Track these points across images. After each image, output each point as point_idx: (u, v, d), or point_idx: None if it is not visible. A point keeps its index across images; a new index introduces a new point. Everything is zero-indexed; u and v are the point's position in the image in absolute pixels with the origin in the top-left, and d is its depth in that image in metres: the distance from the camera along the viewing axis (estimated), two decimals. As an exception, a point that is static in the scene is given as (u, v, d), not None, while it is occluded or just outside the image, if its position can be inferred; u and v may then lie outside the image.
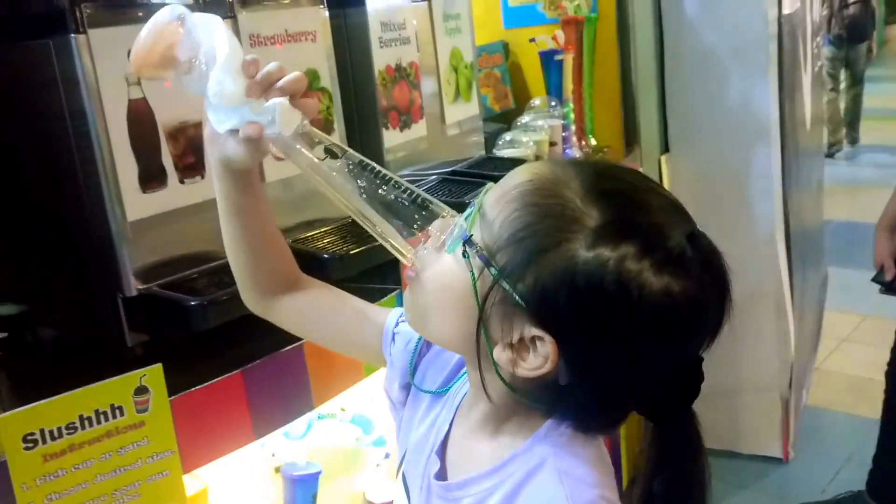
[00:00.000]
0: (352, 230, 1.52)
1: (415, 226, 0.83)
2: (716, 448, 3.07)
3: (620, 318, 0.73)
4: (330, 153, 0.86)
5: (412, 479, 0.95)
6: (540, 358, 0.76)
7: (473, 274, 0.78)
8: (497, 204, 0.78)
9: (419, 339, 1.00)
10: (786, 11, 2.86)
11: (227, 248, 1.02)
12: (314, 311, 1.06)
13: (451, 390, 0.97)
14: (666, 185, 2.94)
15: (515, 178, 0.79)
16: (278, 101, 0.84)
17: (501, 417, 0.85)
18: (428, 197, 0.85)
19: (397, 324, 1.02)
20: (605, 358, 0.76)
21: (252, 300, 1.06)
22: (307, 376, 1.32)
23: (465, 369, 0.93)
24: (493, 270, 0.76)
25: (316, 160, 0.86)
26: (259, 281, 1.03)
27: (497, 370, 0.79)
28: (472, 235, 0.78)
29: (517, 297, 0.75)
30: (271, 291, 1.04)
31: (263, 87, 0.84)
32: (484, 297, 0.77)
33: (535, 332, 0.75)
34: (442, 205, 0.84)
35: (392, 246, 0.86)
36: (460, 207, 0.85)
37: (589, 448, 0.82)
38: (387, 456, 1.65)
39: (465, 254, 0.78)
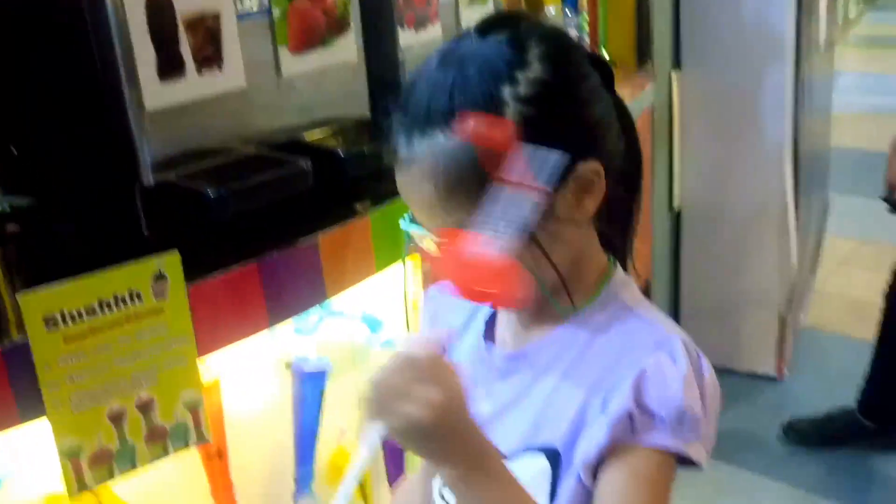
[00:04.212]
0: (367, 129, 1.52)
1: None
2: (713, 365, 3.12)
3: (583, 81, 0.83)
4: None
5: None
6: (591, 179, 0.81)
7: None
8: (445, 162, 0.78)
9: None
10: (807, -74, 2.80)
11: None
12: None
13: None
14: (676, 101, 2.92)
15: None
16: None
17: (547, 301, 0.87)
18: None
19: None
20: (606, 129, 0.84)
21: None
22: (321, 267, 1.34)
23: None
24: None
25: None
26: None
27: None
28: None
29: (543, 181, 0.77)
30: None
31: None
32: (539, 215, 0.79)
33: (573, 178, 0.80)
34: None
35: None
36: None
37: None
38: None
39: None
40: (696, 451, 0.80)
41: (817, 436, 2.76)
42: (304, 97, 1.45)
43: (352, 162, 1.38)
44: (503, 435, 0.87)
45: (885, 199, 2.52)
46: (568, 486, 0.83)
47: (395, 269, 1.71)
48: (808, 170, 3.24)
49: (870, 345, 2.74)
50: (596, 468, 0.80)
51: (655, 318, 0.88)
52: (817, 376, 3.13)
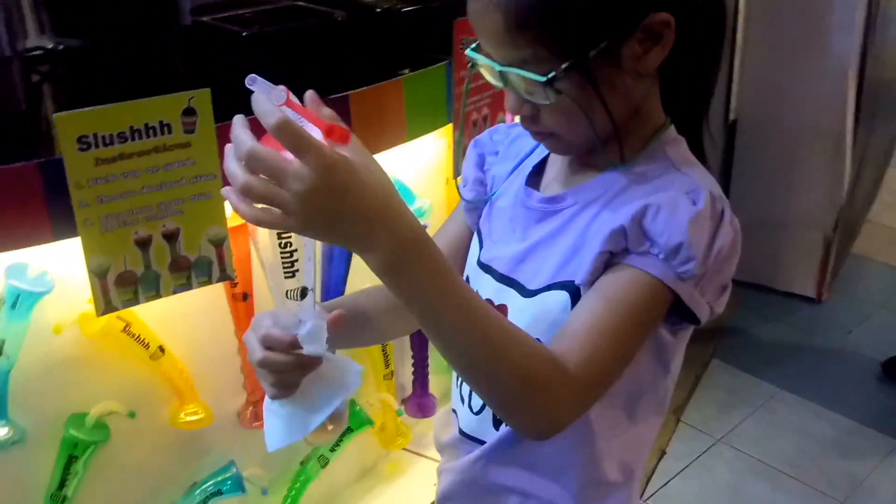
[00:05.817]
0: None
1: None
2: (752, 282, 3.10)
3: None
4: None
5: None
6: (660, 31, 0.78)
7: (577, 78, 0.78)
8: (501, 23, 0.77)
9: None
10: None
11: None
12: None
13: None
14: (742, 8, 2.83)
15: None
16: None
17: (597, 150, 0.86)
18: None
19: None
20: None
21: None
22: (350, 127, 1.37)
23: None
24: (581, 60, 0.76)
25: None
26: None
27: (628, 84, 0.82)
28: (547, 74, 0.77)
29: (620, 31, 0.76)
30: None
31: None
32: (602, 70, 0.78)
33: (642, 27, 0.78)
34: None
35: None
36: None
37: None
38: (425, 227, 1.71)
39: (557, 89, 0.78)
40: (687, 291, 0.80)
41: None
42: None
43: (387, 19, 1.39)
44: (531, 272, 0.89)
45: None
46: None
47: (428, 140, 1.73)
48: (876, 94, 3.14)
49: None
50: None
51: (696, 173, 0.86)
52: (856, 302, 3.09)
